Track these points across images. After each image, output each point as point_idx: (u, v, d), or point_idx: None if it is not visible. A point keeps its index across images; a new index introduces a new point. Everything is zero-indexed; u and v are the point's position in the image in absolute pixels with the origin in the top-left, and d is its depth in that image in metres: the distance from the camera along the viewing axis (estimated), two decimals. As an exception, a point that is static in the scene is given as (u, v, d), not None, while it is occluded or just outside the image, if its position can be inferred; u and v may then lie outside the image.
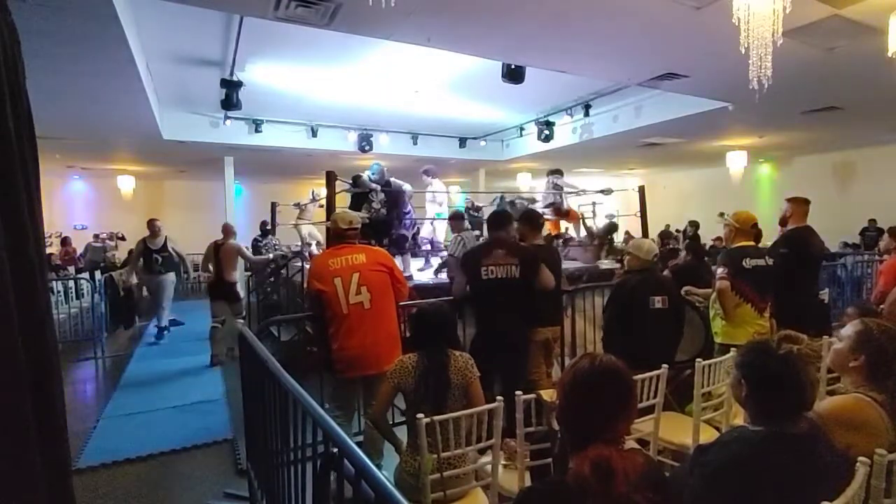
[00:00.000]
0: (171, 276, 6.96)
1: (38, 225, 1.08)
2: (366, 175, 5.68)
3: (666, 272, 4.16)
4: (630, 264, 3.27)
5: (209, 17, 4.56)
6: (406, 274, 5.65)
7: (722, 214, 3.57)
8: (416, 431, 1.91)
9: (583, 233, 7.26)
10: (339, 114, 8.34)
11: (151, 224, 6.86)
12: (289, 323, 4.75)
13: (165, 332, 7.04)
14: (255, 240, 8.37)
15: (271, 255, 7.33)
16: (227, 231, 6.10)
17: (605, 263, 6.39)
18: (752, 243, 3.44)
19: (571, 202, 7.47)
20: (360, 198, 5.73)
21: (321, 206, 6.92)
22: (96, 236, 11.29)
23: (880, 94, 5.93)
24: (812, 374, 1.37)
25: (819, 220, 4.08)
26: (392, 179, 5.71)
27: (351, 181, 5.67)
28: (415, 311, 2.66)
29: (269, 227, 8.27)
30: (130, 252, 7.97)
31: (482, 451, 2.10)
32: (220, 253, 5.90)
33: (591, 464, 1.11)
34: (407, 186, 5.82)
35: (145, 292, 9.67)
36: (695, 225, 11.05)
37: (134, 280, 7.26)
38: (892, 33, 3.41)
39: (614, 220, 7.59)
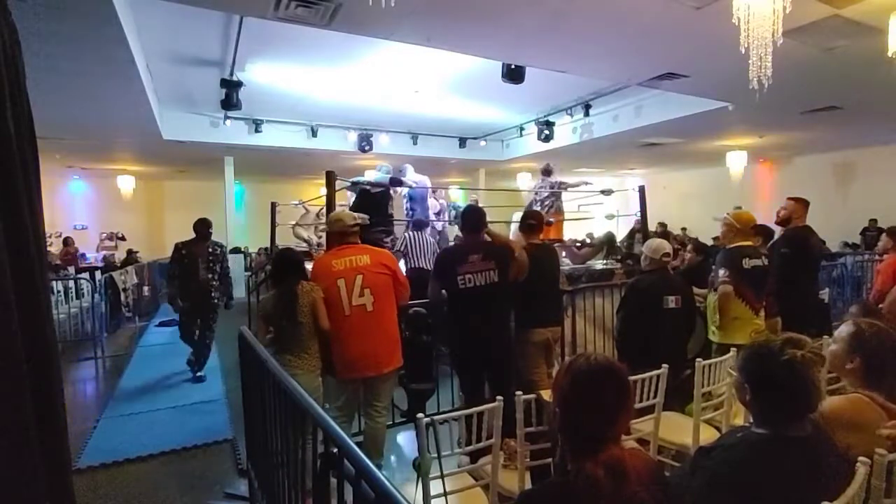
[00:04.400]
0: None
1: (38, 225, 1.08)
2: (373, 177, 5.65)
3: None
4: (644, 265, 3.31)
5: (209, 17, 4.57)
6: None
7: (716, 218, 3.57)
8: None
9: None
10: (339, 114, 8.35)
11: None
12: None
13: None
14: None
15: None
16: None
17: (599, 265, 6.37)
18: (749, 243, 3.44)
19: (568, 201, 7.39)
20: (370, 202, 5.39)
21: (317, 217, 6.82)
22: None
23: (880, 94, 5.93)
24: (817, 377, 1.35)
25: (819, 220, 4.08)
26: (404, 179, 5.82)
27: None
28: (280, 253, 3.09)
29: (210, 230, 5.03)
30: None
31: (482, 452, 2.10)
32: None
33: (605, 466, 1.10)
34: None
35: (146, 291, 9.73)
36: (663, 225, 11.06)
37: None
38: (892, 33, 3.42)
39: (610, 231, 7.46)
